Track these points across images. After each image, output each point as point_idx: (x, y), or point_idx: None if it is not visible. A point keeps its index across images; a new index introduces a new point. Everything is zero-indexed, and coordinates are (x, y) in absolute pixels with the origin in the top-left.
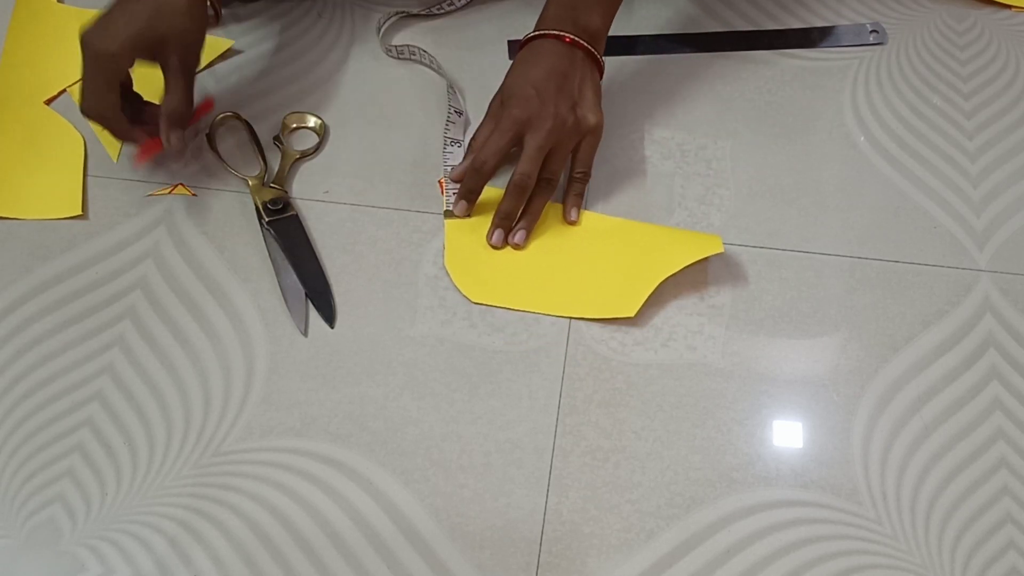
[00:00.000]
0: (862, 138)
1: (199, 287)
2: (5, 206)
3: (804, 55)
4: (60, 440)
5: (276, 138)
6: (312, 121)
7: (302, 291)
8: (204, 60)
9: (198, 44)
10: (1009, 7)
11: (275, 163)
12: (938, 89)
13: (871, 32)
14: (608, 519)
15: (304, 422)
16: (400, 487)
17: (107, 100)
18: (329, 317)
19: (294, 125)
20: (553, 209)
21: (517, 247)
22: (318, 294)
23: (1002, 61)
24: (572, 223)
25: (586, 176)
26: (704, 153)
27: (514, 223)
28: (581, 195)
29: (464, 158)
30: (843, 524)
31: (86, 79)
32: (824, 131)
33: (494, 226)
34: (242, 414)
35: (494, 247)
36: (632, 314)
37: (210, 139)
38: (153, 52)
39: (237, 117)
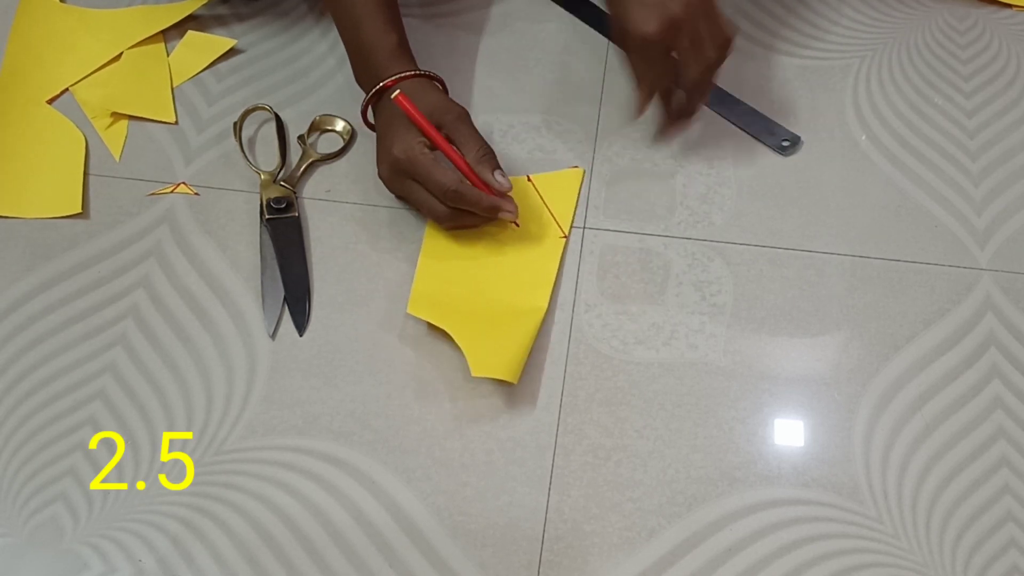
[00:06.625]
0: (863, 137)
1: (201, 286)
2: (6, 205)
3: (805, 54)
4: (62, 438)
5: (300, 137)
6: (340, 125)
7: (282, 294)
8: (205, 60)
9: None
10: (1010, 6)
11: (294, 162)
12: (939, 88)
13: (783, 141)
14: (610, 517)
15: (306, 420)
16: (402, 485)
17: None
18: (301, 324)
19: (322, 127)
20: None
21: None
22: (296, 300)
23: (1003, 60)
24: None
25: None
26: (705, 152)
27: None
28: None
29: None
30: (844, 523)
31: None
32: (825, 130)
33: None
34: (244, 412)
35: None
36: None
37: (236, 128)
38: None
39: (270, 111)
